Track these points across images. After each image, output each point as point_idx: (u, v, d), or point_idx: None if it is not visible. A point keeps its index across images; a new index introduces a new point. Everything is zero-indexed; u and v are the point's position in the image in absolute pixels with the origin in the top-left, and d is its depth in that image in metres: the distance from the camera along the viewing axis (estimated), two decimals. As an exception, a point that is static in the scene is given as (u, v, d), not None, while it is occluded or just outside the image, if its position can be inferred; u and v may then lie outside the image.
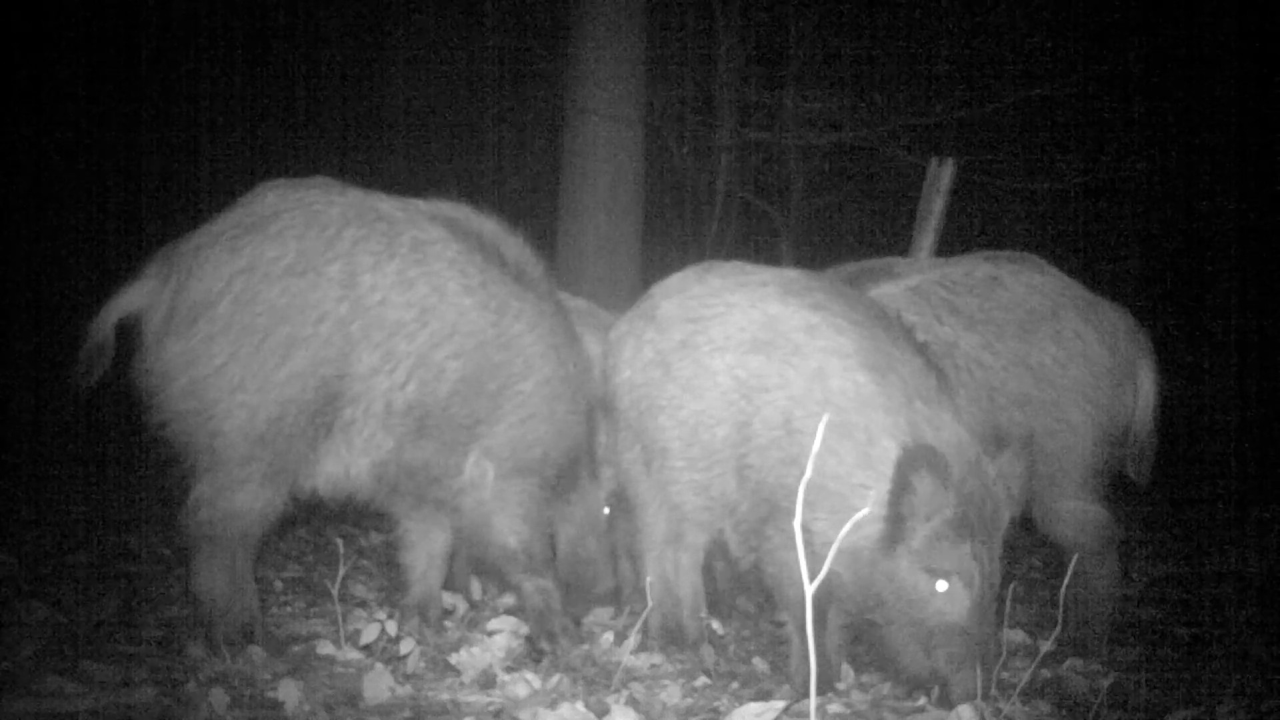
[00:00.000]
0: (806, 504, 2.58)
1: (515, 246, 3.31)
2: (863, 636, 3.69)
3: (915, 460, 2.62)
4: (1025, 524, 3.42)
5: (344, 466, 3.09)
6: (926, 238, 4.99)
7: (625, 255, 5.81)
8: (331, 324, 2.93)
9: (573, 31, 5.86)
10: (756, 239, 9.57)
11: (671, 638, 3.35)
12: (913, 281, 3.60)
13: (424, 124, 9.37)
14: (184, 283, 2.89)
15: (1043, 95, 6.89)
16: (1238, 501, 6.67)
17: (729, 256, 8.88)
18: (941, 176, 5.01)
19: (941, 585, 2.69)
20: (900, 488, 2.64)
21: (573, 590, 3.62)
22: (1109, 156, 7.49)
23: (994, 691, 2.71)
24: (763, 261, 3.64)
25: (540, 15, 7.92)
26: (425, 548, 3.46)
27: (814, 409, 2.86)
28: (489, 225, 3.29)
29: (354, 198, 3.09)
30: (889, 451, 2.73)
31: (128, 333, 3.00)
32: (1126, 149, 7.58)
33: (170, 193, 8.90)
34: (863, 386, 2.84)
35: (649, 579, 3.36)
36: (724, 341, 3.13)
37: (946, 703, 2.69)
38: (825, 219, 9.21)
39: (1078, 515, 3.52)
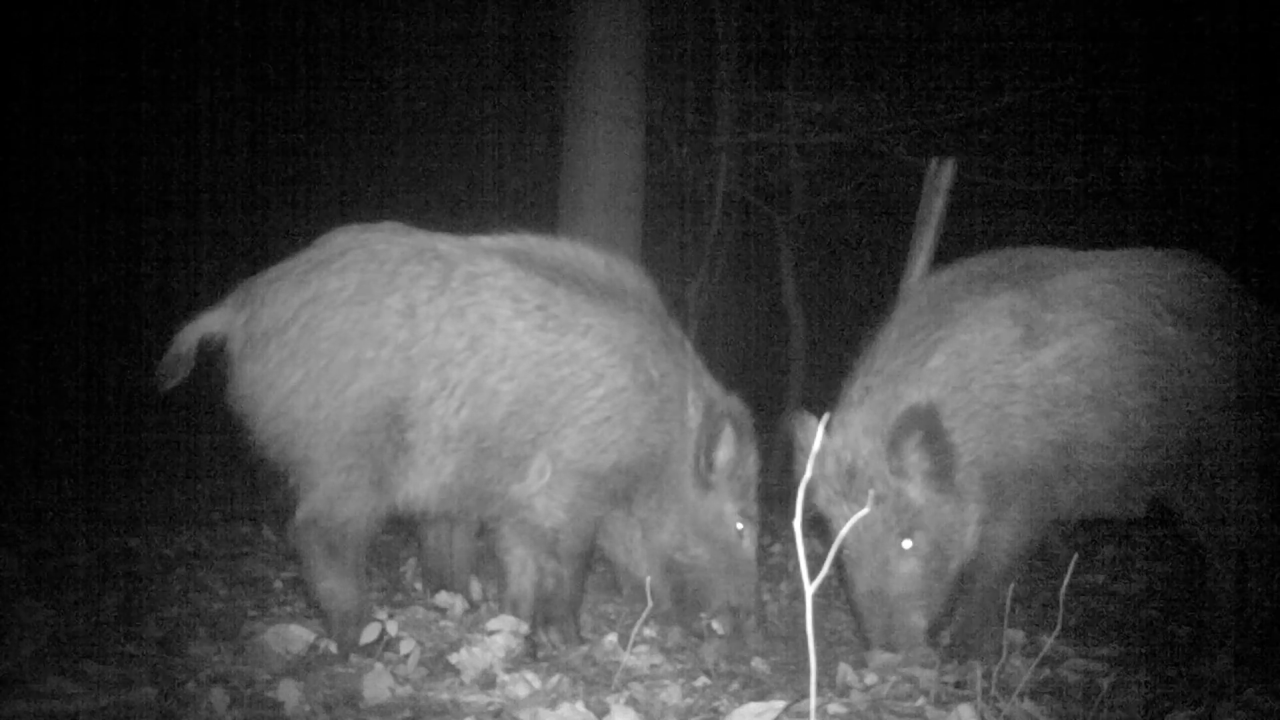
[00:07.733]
0: None
1: (604, 267, 3.50)
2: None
3: None
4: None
5: (413, 485, 3.26)
6: (926, 238, 4.99)
7: (625, 255, 5.80)
8: (392, 348, 3.13)
9: (573, 32, 5.85)
10: (756, 239, 9.57)
11: None
12: (1106, 273, 3.49)
13: (424, 124, 9.36)
14: (256, 312, 3.13)
15: (1043, 95, 6.88)
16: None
17: (729, 256, 8.94)
18: (941, 176, 5.01)
19: None
20: None
21: (681, 605, 3.64)
22: (1109, 157, 7.48)
23: (994, 692, 2.71)
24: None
25: (540, 15, 7.91)
26: (519, 552, 3.60)
27: None
28: (564, 250, 3.50)
29: (416, 239, 3.31)
30: None
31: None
32: (1126, 149, 7.57)
33: (170, 193, 8.91)
34: None
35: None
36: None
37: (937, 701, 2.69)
38: (825, 219, 9.20)
39: (1253, 520, 3.49)
